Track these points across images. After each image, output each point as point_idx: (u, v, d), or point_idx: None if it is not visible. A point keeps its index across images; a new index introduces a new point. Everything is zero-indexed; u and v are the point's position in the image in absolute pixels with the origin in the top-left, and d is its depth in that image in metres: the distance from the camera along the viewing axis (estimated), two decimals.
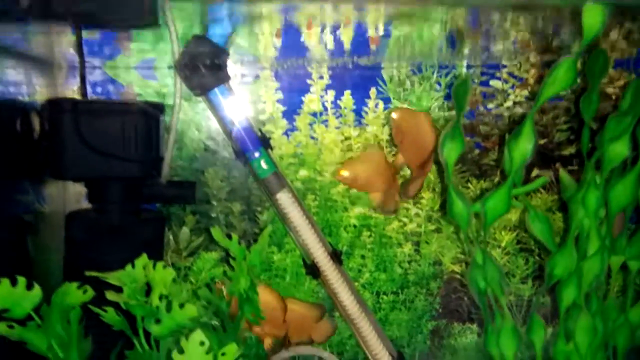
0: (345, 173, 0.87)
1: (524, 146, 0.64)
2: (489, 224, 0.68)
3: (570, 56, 0.63)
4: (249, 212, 1.05)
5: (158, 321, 0.62)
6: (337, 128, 1.06)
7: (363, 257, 1.08)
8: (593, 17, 0.57)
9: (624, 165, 0.69)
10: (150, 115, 0.83)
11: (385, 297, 1.09)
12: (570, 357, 0.70)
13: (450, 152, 0.66)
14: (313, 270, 0.98)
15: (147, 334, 0.63)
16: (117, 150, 0.79)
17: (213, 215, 1.04)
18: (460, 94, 0.63)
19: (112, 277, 0.61)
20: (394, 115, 0.83)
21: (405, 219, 1.09)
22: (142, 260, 0.63)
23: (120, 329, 0.63)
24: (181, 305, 0.63)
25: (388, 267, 1.09)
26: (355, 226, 1.08)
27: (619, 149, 0.67)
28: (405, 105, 1.05)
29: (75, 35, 0.81)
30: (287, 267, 1.06)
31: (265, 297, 0.88)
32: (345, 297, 1.01)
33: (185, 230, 1.03)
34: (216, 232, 0.74)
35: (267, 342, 0.87)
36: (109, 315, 0.62)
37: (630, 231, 0.74)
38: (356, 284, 1.07)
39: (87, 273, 0.62)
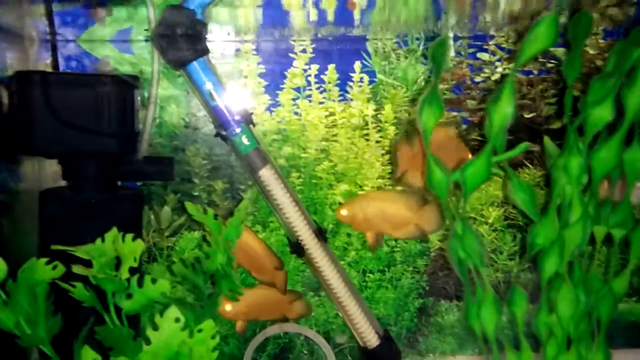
0: (344, 212, 0.86)
1: (503, 110, 0.62)
2: (469, 193, 0.66)
3: (551, 12, 0.60)
4: (232, 190, 1.03)
5: (129, 296, 0.60)
6: (321, 103, 1.03)
7: (349, 235, 1.06)
8: None
9: (608, 130, 0.67)
10: (125, 88, 0.80)
11: (371, 275, 1.08)
12: (553, 328, 0.69)
13: (429, 118, 0.64)
14: (298, 248, 0.96)
15: (119, 310, 0.61)
16: (89, 125, 0.77)
17: (195, 193, 1.02)
18: (438, 56, 0.61)
19: (81, 251, 0.59)
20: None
21: None
22: (112, 233, 0.61)
23: (90, 305, 0.61)
24: (153, 280, 0.61)
25: None
26: (341, 204, 1.06)
27: (602, 113, 0.65)
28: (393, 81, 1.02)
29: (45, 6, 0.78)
30: (271, 245, 1.04)
31: (250, 241, 0.88)
32: (331, 275, 0.99)
33: (166, 209, 1.01)
34: (191, 207, 0.72)
35: (240, 325, 0.86)
36: (78, 291, 0.60)
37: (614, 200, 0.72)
38: (342, 262, 1.06)
39: (53, 246, 0.60)
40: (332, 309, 1.06)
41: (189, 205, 0.72)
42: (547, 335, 0.71)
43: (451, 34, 1.02)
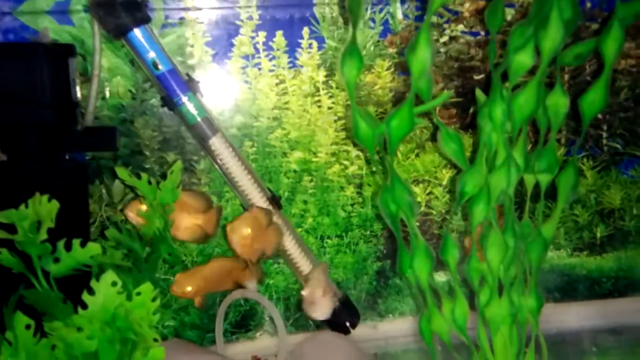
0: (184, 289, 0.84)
1: (421, 55, 0.62)
2: (395, 144, 0.66)
3: None
4: (184, 162, 1.02)
5: (57, 260, 0.60)
6: (271, 71, 1.03)
7: (305, 202, 1.07)
8: None
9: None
10: (58, 57, 0.79)
11: (329, 241, 1.08)
12: (484, 274, 0.70)
13: (350, 71, 0.64)
14: None
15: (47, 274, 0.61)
16: (23, 95, 0.76)
17: (147, 166, 1.01)
18: (354, 7, 0.61)
19: (1, 216, 0.59)
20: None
21: (346, 162, 1.07)
22: (34, 198, 0.61)
23: (18, 270, 0.61)
24: (82, 244, 0.61)
25: (331, 211, 1.08)
26: (295, 171, 1.06)
27: (523, 59, 0.65)
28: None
29: None
30: (227, 216, 1.04)
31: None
32: (287, 242, 1.00)
33: (117, 183, 1.00)
34: (121, 171, 0.71)
35: (198, 301, 0.86)
36: (3, 256, 0.60)
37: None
38: (299, 229, 1.06)
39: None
40: (291, 276, 1.07)
41: (119, 170, 0.72)
42: (478, 281, 0.72)
43: None
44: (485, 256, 0.68)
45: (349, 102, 1.04)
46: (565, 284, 1.12)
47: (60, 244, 0.59)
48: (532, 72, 0.68)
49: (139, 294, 0.65)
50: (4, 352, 0.57)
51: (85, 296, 0.63)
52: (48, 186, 0.80)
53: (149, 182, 0.72)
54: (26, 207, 0.61)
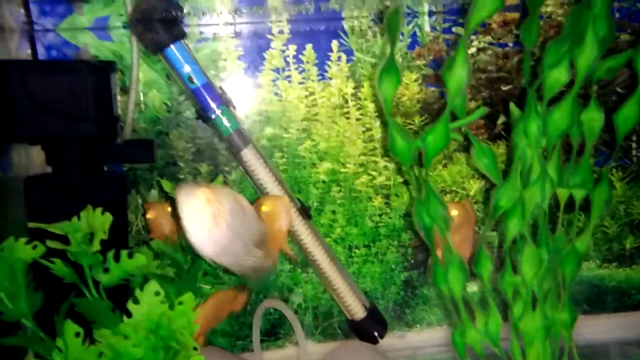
0: None
1: (458, 74, 0.63)
2: (430, 159, 0.68)
3: None
4: (217, 173, 1.05)
5: (107, 270, 0.63)
6: (301, 83, 1.05)
7: (334, 212, 1.09)
8: None
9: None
10: (101, 74, 0.82)
11: (357, 250, 1.10)
12: (518, 288, 0.71)
13: (388, 87, 0.66)
14: None
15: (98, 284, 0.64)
16: (67, 110, 0.79)
17: (180, 177, 1.04)
18: (392, 24, 0.62)
19: (55, 227, 0.62)
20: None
21: (374, 173, 1.08)
22: (86, 210, 0.64)
23: (70, 280, 0.63)
24: (130, 254, 0.64)
25: (359, 221, 1.09)
26: (324, 182, 1.08)
27: (558, 75, 0.66)
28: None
29: None
30: None
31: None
32: (316, 251, 1.02)
33: (153, 193, 1.03)
34: (166, 184, 0.74)
35: (201, 340, 0.86)
36: (57, 267, 0.62)
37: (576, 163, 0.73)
38: (328, 239, 1.08)
39: (30, 224, 0.63)
40: (319, 285, 1.08)
41: (164, 183, 0.75)
42: (512, 295, 0.73)
43: (426, 9, 1.02)
44: (519, 269, 0.69)
45: (377, 114, 1.06)
46: (594, 295, 1.12)
47: (110, 254, 0.61)
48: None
49: (180, 303, 0.67)
50: (54, 359, 0.60)
51: (131, 305, 0.66)
52: (89, 197, 0.84)
53: None
54: (78, 219, 0.64)
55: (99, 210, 0.64)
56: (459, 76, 0.63)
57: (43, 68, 0.80)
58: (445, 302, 0.75)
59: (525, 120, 0.68)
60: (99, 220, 0.63)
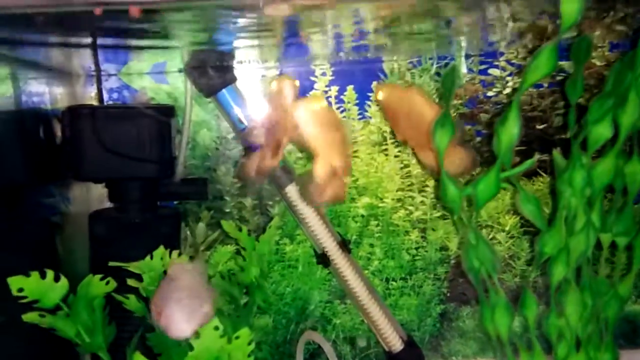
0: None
1: (510, 130, 0.67)
2: (481, 206, 0.72)
3: (551, 43, 0.66)
4: (260, 207, 1.10)
5: None
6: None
7: (372, 245, 1.12)
8: (571, 5, 0.60)
9: (611, 143, 0.71)
10: (162, 118, 0.88)
11: (394, 283, 1.13)
12: (562, 330, 0.73)
13: (442, 139, 0.70)
14: (323, 259, 1.02)
15: None
16: (132, 152, 0.85)
17: (227, 210, 1.09)
18: (448, 82, 0.67)
19: (133, 267, 0.67)
20: (380, 95, 0.80)
21: (411, 207, 1.12)
22: (160, 251, 0.69)
23: (142, 314, 0.68)
24: None
25: (396, 254, 1.13)
26: (363, 216, 1.12)
27: (602, 131, 0.70)
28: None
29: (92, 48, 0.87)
30: (299, 257, 1.11)
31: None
32: (355, 283, 1.05)
33: (201, 225, 1.09)
34: (227, 225, 0.79)
35: None
36: (131, 302, 0.67)
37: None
38: (366, 271, 1.11)
39: (111, 263, 0.68)
40: (357, 315, 1.11)
41: (224, 224, 0.80)
42: (557, 337, 0.75)
43: (463, 54, 1.07)
44: (564, 312, 0.71)
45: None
46: (630, 330, 1.13)
47: None
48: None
49: (237, 337, 0.71)
50: None
51: (193, 339, 0.70)
52: (147, 232, 0.89)
53: (249, 234, 0.79)
54: (151, 258, 0.69)
55: (175, 252, 0.69)
56: (511, 133, 0.67)
57: (110, 113, 0.87)
58: (492, 342, 0.78)
59: (570, 170, 0.72)
60: (168, 261, 0.67)
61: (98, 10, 0.58)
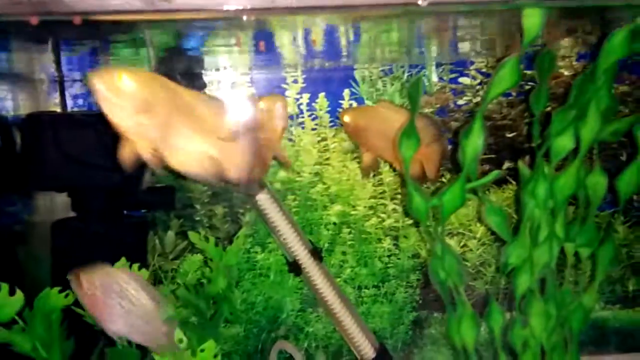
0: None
1: (475, 141, 0.68)
2: (446, 217, 0.72)
3: (513, 57, 0.66)
4: (231, 215, 1.08)
5: None
6: (314, 130, 1.09)
7: (344, 253, 1.12)
8: (532, 20, 0.60)
9: (573, 154, 0.72)
10: None
11: (367, 290, 1.13)
12: (527, 339, 0.74)
13: (407, 150, 0.70)
14: (295, 267, 1.01)
15: None
16: (95, 160, 0.83)
17: (197, 218, 1.08)
18: (414, 94, 0.67)
19: None
20: (347, 118, 0.82)
21: (383, 215, 1.12)
22: (121, 262, 0.67)
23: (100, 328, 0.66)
24: None
25: (368, 261, 1.12)
26: (335, 224, 1.11)
27: (564, 142, 0.71)
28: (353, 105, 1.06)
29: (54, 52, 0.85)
30: (270, 265, 1.10)
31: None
32: (327, 291, 1.04)
33: (170, 234, 1.07)
34: (194, 236, 0.77)
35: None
36: (88, 316, 0.65)
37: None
38: (338, 279, 1.11)
39: (69, 276, 0.66)
40: (330, 324, 1.11)
41: (192, 235, 0.78)
42: (522, 346, 0.76)
43: (433, 62, 1.08)
44: (528, 323, 0.72)
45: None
46: (598, 336, 1.14)
47: None
48: None
49: (202, 350, 0.70)
50: None
51: (155, 353, 0.68)
52: (112, 242, 0.87)
53: (216, 245, 0.77)
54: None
55: (135, 265, 0.68)
56: (475, 144, 0.67)
57: (71, 120, 0.84)
58: (459, 354, 0.78)
59: (534, 182, 0.72)
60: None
61: (34, 19, 0.56)
